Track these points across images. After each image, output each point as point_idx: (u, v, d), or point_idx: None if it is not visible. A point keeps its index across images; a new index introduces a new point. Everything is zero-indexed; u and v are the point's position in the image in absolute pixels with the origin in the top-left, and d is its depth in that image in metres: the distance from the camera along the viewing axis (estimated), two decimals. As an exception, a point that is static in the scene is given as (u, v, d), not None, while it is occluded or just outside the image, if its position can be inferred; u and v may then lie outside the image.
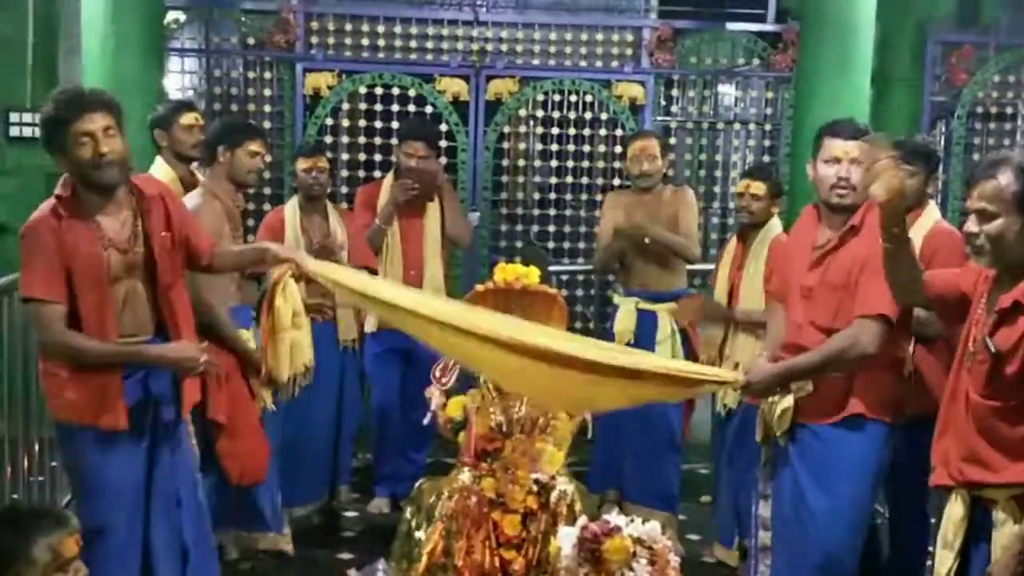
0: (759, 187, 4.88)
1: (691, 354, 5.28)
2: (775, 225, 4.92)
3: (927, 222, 4.17)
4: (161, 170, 4.74)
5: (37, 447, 4.88)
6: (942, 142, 7.33)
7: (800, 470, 3.67)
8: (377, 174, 6.57)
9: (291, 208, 5.30)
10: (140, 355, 3.44)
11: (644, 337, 5.31)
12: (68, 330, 3.36)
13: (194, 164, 4.77)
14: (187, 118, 4.72)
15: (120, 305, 3.47)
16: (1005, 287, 2.95)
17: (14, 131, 6.61)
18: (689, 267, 5.59)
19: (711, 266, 6.46)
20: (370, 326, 5.45)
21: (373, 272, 5.37)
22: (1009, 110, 7.52)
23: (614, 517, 3.42)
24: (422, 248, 5.56)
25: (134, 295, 3.50)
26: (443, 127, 6.80)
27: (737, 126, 7.42)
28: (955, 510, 3.02)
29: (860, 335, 3.45)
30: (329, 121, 6.83)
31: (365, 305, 3.87)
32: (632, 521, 3.41)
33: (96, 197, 3.44)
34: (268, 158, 4.79)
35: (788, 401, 3.61)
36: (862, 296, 3.48)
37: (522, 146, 7.47)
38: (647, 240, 5.26)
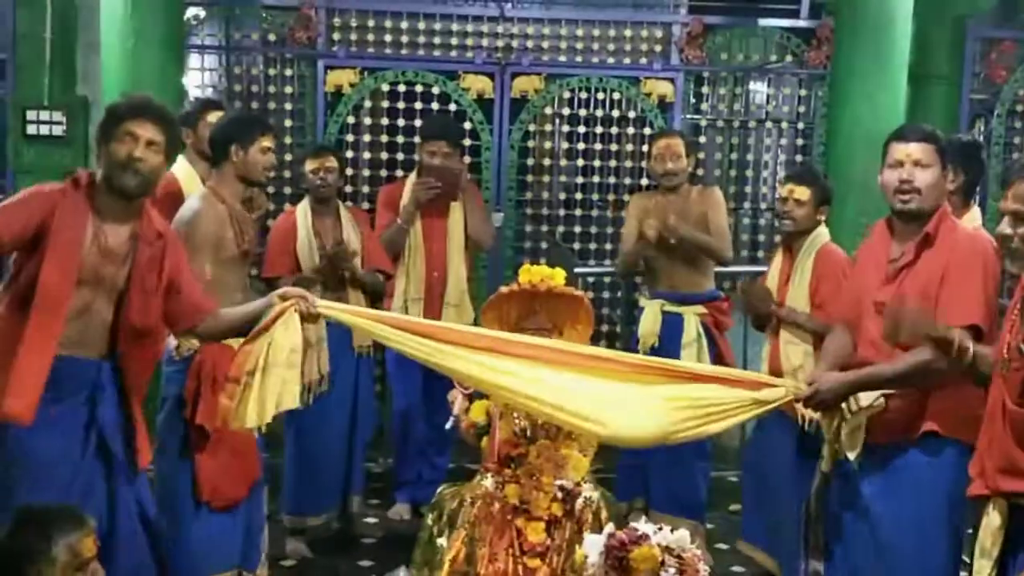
0: (803, 192, 4.69)
1: (718, 359, 5.25)
2: (822, 233, 4.75)
3: (967, 226, 4.13)
4: (182, 169, 4.76)
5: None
6: (981, 141, 7.28)
7: (869, 495, 3.62)
8: (399, 174, 6.57)
9: (302, 211, 5.27)
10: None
11: (669, 340, 5.29)
12: None
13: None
14: (213, 116, 4.73)
15: (76, 312, 3.39)
16: None
17: (31, 129, 6.61)
18: (719, 269, 5.56)
19: (742, 268, 6.47)
20: None
21: (388, 276, 5.38)
22: (1051, 108, 7.47)
23: (642, 525, 3.41)
24: (445, 248, 5.57)
25: (90, 311, 3.43)
26: (467, 125, 6.80)
27: (769, 125, 7.39)
28: (993, 519, 3.01)
29: (960, 341, 3.28)
30: (351, 119, 6.85)
31: (380, 339, 3.83)
32: (660, 529, 3.39)
33: (110, 200, 3.45)
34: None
35: (860, 419, 3.55)
36: (950, 306, 3.43)
37: (548, 145, 7.47)
38: (673, 240, 5.23)
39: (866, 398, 3.53)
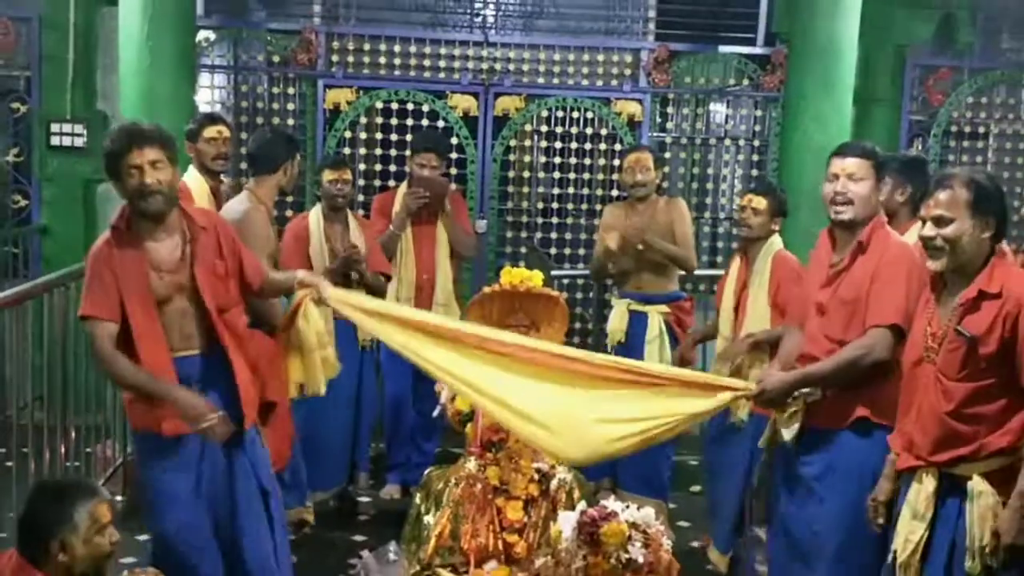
0: (760, 202, 4.70)
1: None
2: (776, 241, 4.74)
3: (913, 238, 4.16)
4: (194, 182, 4.76)
5: (73, 435, 4.91)
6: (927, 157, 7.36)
7: (808, 472, 3.67)
8: (392, 184, 6.60)
9: (315, 216, 5.28)
10: (160, 392, 3.39)
11: (634, 336, 5.33)
12: (114, 351, 3.39)
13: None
14: (210, 131, 4.76)
15: (174, 321, 3.50)
16: (957, 286, 3.09)
17: (55, 140, 6.62)
18: (683, 272, 5.59)
19: (702, 272, 6.50)
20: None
21: (388, 277, 5.41)
22: (981, 129, 7.54)
23: (611, 503, 3.44)
24: (434, 253, 5.58)
25: (184, 313, 3.52)
26: (454, 140, 6.84)
27: (728, 142, 7.43)
28: (927, 486, 3.10)
29: (874, 344, 3.45)
30: (348, 134, 6.87)
31: (380, 334, 3.86)
32: (628, 507, 3.43)
33: (146, 223, 3.49)
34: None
35: (798, 404, 3.62)
36: (874, 306, 3.49)
37: (527, 159, 7.49)
38: (640, 246, 5.27)
39: (807, 390, 3.60)
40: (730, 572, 4.85)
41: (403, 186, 5.67)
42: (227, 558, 3.63)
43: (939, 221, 3.06)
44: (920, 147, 7.36)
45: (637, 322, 5.35)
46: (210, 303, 3.53)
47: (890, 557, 3.23)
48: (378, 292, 5.33)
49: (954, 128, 7.46)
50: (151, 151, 3.43)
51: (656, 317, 5.31)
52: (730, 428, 4.71)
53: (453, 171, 6.82)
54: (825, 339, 3.63)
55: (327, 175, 5.24)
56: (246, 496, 3.65)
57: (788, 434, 3.65)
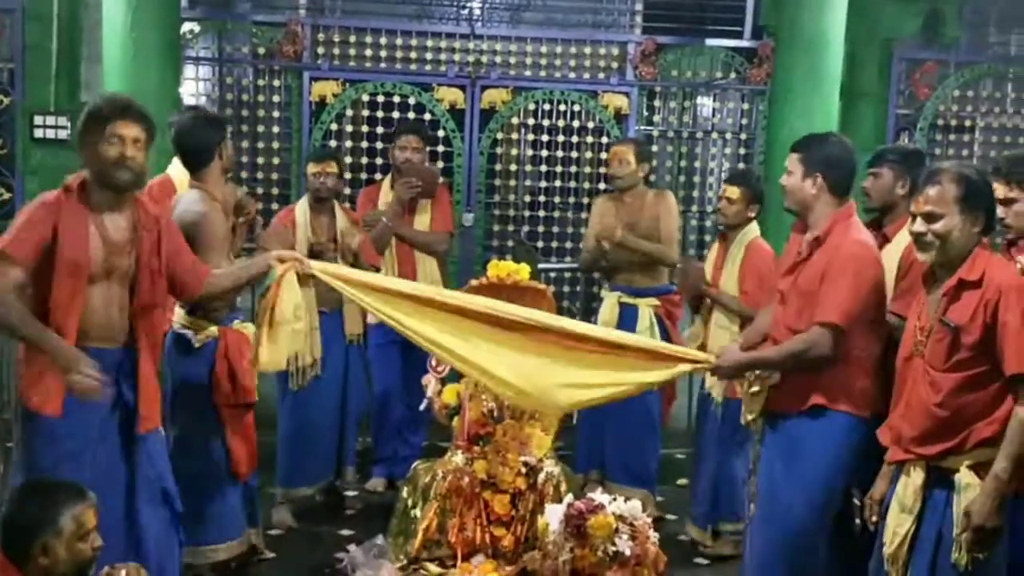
0: (734, 191, 4.89)
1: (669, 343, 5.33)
2: (752, 229, 4.92)
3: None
4: (179, 175, 4.69)
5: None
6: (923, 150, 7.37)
7: (772, 453, 3.73)
8: (378, 176, 6.57)
9: (301, 208, 5.25)
10: (37, 337, 3.27)
11: (625, 328, 5.31)
12: (11, 291, 3.25)
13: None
14: None
15: (98, 307, 3.42)
16: (945, 279, 3.12)
17: (38, 133, 6.59)
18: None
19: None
20: (373, 318, 5.46)
21: (377, 269, 5.38)
22: (967, 123, 7.56)
23: (598, 496, 3.45)
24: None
25: (110, 301, 3.45)
26: (440, 133, 6.83)
27: (715, 135, 7.44)
28: (915, 479, 3.14)
29: (816, 340, 3.51)
30: (334, 127, 6.83)
31: (366, 304, 3.85)
32: (615, 500, 3.43)
33: (104, 196, 3.44)
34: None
35: (756, 387, 3.68)
36: (820, 303, 3.54)
37: (514, 152, 7.48)
38: (611, 244, 5.34)
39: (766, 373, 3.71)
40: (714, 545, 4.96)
41: (388, 179, 5.65)
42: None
43: (929, 217, 3.09)
44: (907, 141, 7.37)
45: (627, 315, 5.37)
46: (140, 298, 3.49)
47: (878, 550, 3.26)
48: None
49: (940, 122, 7.48)
50: (136, 128, 3.43)
51: (646, 310, 5.35)
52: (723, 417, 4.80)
53: (440, 164, 6.82)
54: (783, 326, 3.70)
55: (311, 167, 5.23)
56: (146, 482, 3.59)
57: (749, 415, 3.73)
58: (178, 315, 4.25)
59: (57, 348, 3.27)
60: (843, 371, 3.55)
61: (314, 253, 5.04)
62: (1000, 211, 3.38)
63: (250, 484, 4.44)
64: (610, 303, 5.45)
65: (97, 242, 3.41)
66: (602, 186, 6.95)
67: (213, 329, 4.19)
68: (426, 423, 5.60)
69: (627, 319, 5.37)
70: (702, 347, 4.82)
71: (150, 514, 3.62)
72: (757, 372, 3.68)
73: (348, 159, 6.94)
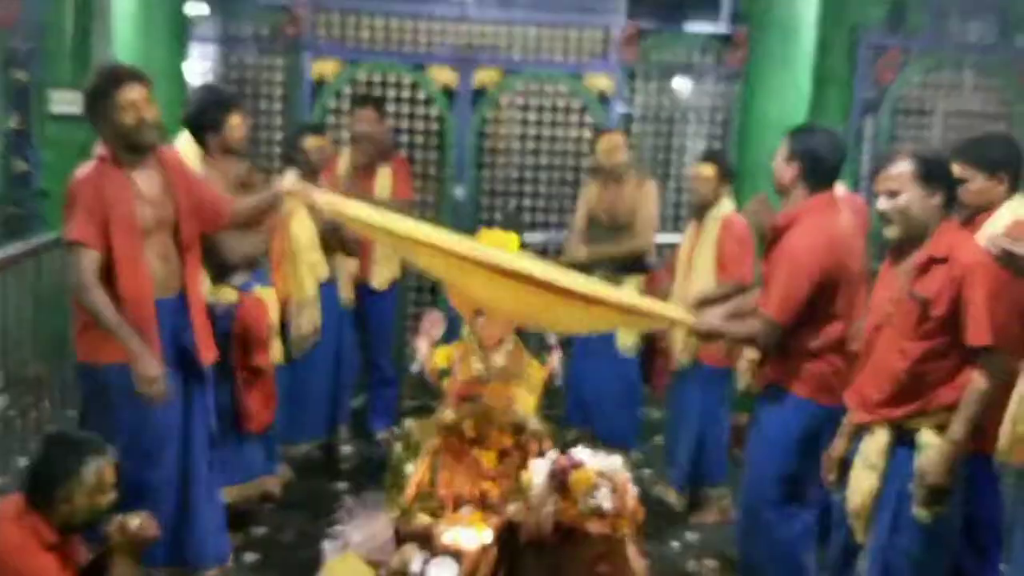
0: (707, 169, 4.84)
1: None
2: (726, 205, 4.86)
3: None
4: (187, 142, 4.66)
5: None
6: (870, 135, 7.36)
7: (754, 425, 3.80)
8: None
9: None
10: (126, 341, 3.30)
11: None
12: (96, 282, 3.29)
13: None
14: (235, 119, 4.42)
15: (158, 259, 3.45)
16: (908, 253, 3.13)
17: (55, 108, 6.55)
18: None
19: (667, 239, 6.50)
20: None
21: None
22: (928, 107, 7.54)
23: (579, 452, 3.44)
24: None
25: (165, 251, 3.48)
26: (434, 112, 6.79)
27: (692, 116, 7.41)
28: (879, 439, 3.15)
29: (760, 329, 3.55)
30: (332, 104, 6.79)
31: (372, 234, 3.82)
32: (596, 455, 3.43)
33: (132, 157, 3.45)
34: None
35: (744, 363, 3.74)
36: (766, 293, 3.56)
37: (503, 130, 7.43)
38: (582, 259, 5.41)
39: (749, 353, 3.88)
40: (689, 511, 4.99)
41: (347, 149, 5.64)
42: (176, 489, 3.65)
43: (890, 194, 3.11)
44: (871, 123, 7.36)
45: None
46: (185, 240, 3.50)
47: (842, 505, 3.28)
48: (355, 252, 5.28)
49: (903, 105, 7.45)
50: (140, 88, 3.43)
51: (632, 287, 5.34)
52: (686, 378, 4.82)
53: (433, 141, 6.80)
54: (759, 305, 3.68)
55: (312, 142, 5.13)
56: (200, 434, 3.66)
57: (741, 383, 3.77)
58: (207, 286, 4.24)
59: (142, 360, 3.29)
60: (796, 355, 3.56)
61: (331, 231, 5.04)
62: None
63: (267, 437, 4.49)
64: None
65: (141, 200, 3.43)
66: (585, 163, 6.94)
67: (233, 295, 4.19)
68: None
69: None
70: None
71: (199, 453, 3.69)
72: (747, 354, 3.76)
73: (346, 134, 6.89)
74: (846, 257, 3.55)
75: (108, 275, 3.35)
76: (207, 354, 3.65)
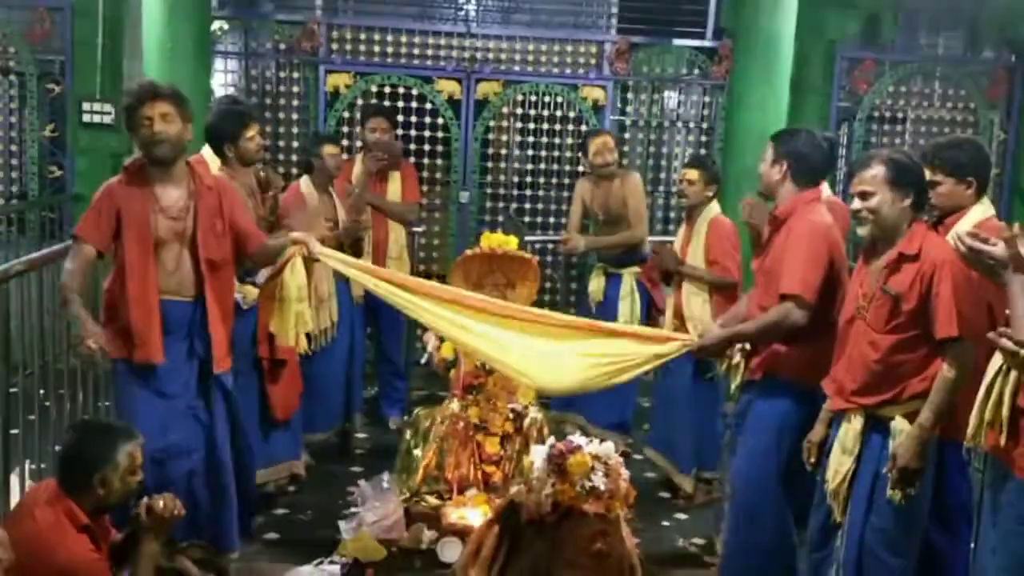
0: (693, 174, 4.80)
1: (651, 305, 5.34)
2: (713, 208, 4.83)
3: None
4: (211, 153, 4.63)
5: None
6: (846, 142, 7.34)
7: (744, 414, 3.74)
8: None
9: (307, 187, 5.08)
10: (67, 301, 3.28)
11: (611, 292, 5.39)
12: (78, 267, 3.35)
13: None
14: (251, 131, 4.31)
15: (169, 266, 3.46)
16: (884, 251, 3.10)
17: (86, 117, 6.54)
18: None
19: (658, 239, 6.49)
20: None
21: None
22: (900, 115, 7.52)
23: (577, 438, 3.43)
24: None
25: (179, 261, 3.48)
26: (439, 121, 6.78)
27: (680, 125, 7.40)
28: (854, 425, 3.14)
29: (786, 312, 3.42)
30: (346, 114, 6.78)
31: (366, 285, 3.81)
32: (591, 441, 3.42)
33: (157, 171, 3.46)
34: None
35: (737, 357, 3.67)
36: (783, 278, 3.46)
37: (504, 137, 7.44)
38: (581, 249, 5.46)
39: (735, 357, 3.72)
40: (695, 492, 4.92)
41: (359, 155, 5.61)
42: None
43: (863, 195, 3.08)
44: (847, 131, 7.35)
45: (612, 282, 5.41)
46: (203, 254, 3.49)
47: (822, 487, 3.27)
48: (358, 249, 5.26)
49: (876, 114, 7.43)
50: (163, 104, 3.42)
51: (629, 277, 5.37)
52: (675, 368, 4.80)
53: (439, 148, 6.79)
54: (756, 305, 3.65)
55: (330, 149, 5.09)
56: (221, 424, 3.64)
57: (734, 384, 3.71)
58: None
59: (76, 315, 3.27)
60: (792, 341, 3.50)
61: (351, 231, 5.04)
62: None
63: (293, 424, 4.50)
64: (597, 275, 5.49)
65: (157, 212, 3.44)
66: (581, 168, 6.90)
67: (256, 293, 4.17)
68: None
69: (612, 286, 5.39)
70: (678, 313, 4.77)
71: (221, 444, 3.66)
72: (738, 346, 3.65)
73: (359, 143, 6.88)
74: (840, 245, 3.57)
75: (121, 276, 3.42)
76: (222, 362, 3.61)
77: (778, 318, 3.44)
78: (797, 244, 3.46)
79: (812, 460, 3.36)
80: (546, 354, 3.63)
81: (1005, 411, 2.46)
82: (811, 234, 3.46)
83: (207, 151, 4.63)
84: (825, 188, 4.42)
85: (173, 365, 3.48)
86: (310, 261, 3.82)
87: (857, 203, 3.10)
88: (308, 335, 4.83)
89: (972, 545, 3.31)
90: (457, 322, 3.68)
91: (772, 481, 3.59)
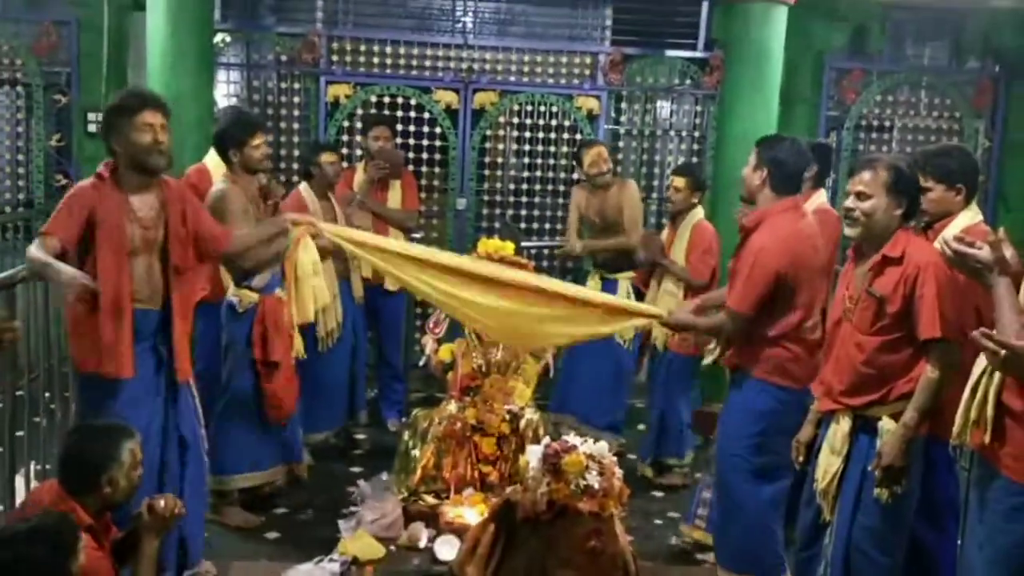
0: (680, 181, 4.93)
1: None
2: (697, 213, 4.95)
3: (815, 204, 4.33)
4: (212, 161, 4.63)
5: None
6: (835, 150, 7.34)
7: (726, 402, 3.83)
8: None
9: (308, 194, 5.09)
10: (43, 264, 3.05)
11: None
12: (43, 254, 3.08)
13: None
14: (259, 139, 4.32)
15: (141, 275, 3.36)
16: (870, 255, 3.10)
17: (91, 127, 6.56)
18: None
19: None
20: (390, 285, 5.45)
21: None
22: (887, 123, 7.52)
23: (571, 438, 3.43)
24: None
25: (150, 269, 3.39)
26: (437, 130, 6.77)
27: (672, 134, 7.39)
28: (843, 426, 3.14)
29: (726, 321, 3.59)
30: (346, 124, 6.77)
31: (372, 261, 3.81)
32: (585, 441, 3.42)
33: (134, 179, 3.34)
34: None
35: (712, 344, 3.75)
36: (730, 288, 3.59)
37: (501, 146, 7.42)
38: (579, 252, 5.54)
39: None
40: (656, 477, 5.11)
41: (361, 163, 5.61)
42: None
43: (860, 196, 3.07)
44: (836, 139, 7.35)
45: (608, 288, 5.39)
46: (173, 261, 3.42)
47: (811, 486, 3.26)
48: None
49: (864, 123, 7.44)
50: (161, 115, 3.34)
51: (624, 283, 5.40)
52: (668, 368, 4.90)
53: (436, 156, 6.78)
54: (727, 300, 3.68)
55: (328, 157, 5.12)
56: (183, 426, 3.56)
57: (708, 358, 3.87)
58: (231, 288, 4.27)
59: (57, 268, 3.03)
60: (757, 342, 3.56)
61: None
62: None
63: (289, 425, 4.46)
64: (594, 280, 5.55)
65: (133, 221, 3.33)
66: (575, 176, 6.91)
67: (255, 297, 4.17)
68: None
69: (607, 291, 5.36)
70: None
71: (184, 453, 3.59)
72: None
73: (358, 151, 6.88)
74: (805, 256, 3.54)
75: (94, 280, 3.21)
76: (183, 370, 3.52)
77: (720, 324, 3.64)
78: (748, 261, 3.51)
79: (801, 459, 3.35)
80: (533, 322, 3.77)
81: (990, 410, 2.45)
82: (759, 252, 3.48)
83: (210, 159, 4.65)
84: (821, 195, 4.45)
85: (141, 376, 3.37)
86: (317, 238, 3.84)
87: (852, 202, 3.08)
88: (315, 337, 4.86)
89: (959, 541, 3.30)
90: (454, 293, 3.73)
91: (743, 466, 3.64)
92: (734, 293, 3.53)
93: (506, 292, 3.70)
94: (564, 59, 7.06)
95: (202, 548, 3.80)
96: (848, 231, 3.13)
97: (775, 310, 3.50)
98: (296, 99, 6.84)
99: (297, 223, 3.73)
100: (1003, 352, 2.21)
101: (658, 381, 5.08)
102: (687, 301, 4.49)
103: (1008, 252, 2.47)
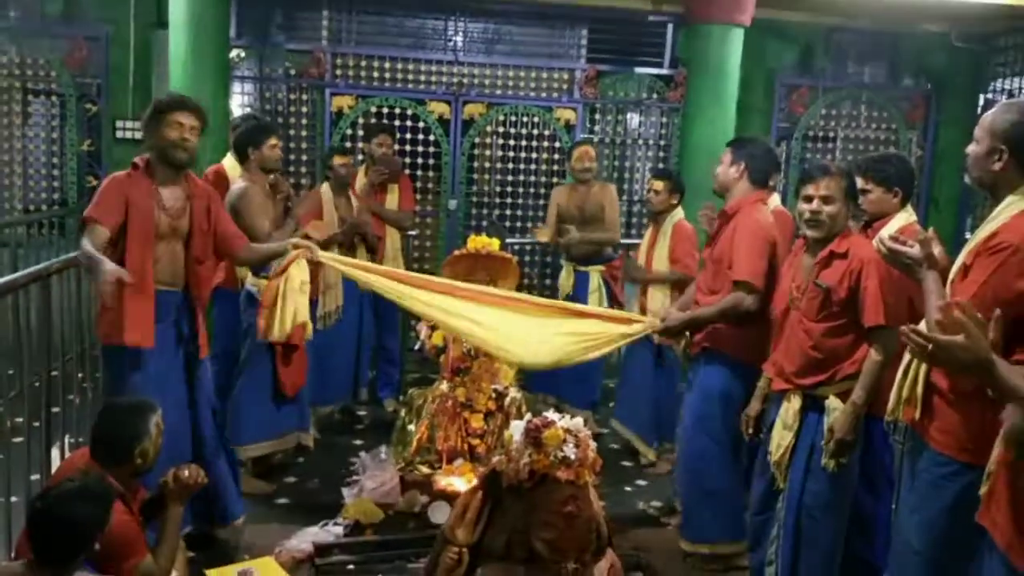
0: (659, 184, 4.81)
1: (613, 301, 5.32)
2: (677, 213, 4.84)
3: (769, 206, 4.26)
4: (230, 163, 4.62)
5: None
6: (784, 158, 7.36)
7: (691, 388, 3.79)
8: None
9: (326, 192, 5.12)
10: (92, 258, 2.98)
11: (580, 290, 5.36)
12: (101, 246, 3.08)
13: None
14: (274, 139, 4.38)
15: (166, 258, 3.36)
16: (816, 250, 3.10)
17: (120, 134, 6.51)
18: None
19: (628, 241, 6.49)
20: None
21: (379, 237, 5.34)
22: (831, 134, 7.56)
23: (551, 414, 3.42)
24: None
25: (173, 254, 3.39)
26: (431, 138, 6.74)
27: (641, 142, 7.39)
28: (793, 404, 3.14)
29: (741, 296, 3.45)
30: (348, 132, 6.73)
31: (364, 282, 3.76)
32: (563, 417, 3.41)
33: (163, 172, 3.35)
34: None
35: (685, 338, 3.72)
36: (734, 266, 3.48)
37: (488, 152, 7.41)
38: (573, 242, 5.31)
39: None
40: (657, 461, 4.97)
41: (362, 168, 5.58)
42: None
43: (826, 200, 3.05)
44: (786, 148, 7.37)
45: (581, 279, 5.37)
46: (194, 250, 3.42)
47: (764, 457, 3.27)
48: (374, 247, 5.28)
49: (811, 133, 7.47)
50: (191, 118, 3.35)
51: (596, 275, 5.35)
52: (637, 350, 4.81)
53: (431, 161, 6.76)
54: (703, 287, 3.67)
55: (338, 160, 5.12)
56: (203, 399, 3.56)
57: (677, 349, 3.78)
58: (249, 277, 4.27)
59: (102, 264, 2.96)
60: (737, 322, 3.53)
61: (351, 227, 5.04)
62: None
63: (302, 399, 4.47)
64: (567, 271, 5.47)
65: (160, 210, 3.33)
66: (555, 180, 6.91)
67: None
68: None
69: (581, 283, 5.37)
70: (642, 309, 4.75)
71: (206, 421, 3.59)
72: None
73: (360, 157, 6.84)
74: (779, 240, 3.58)
75: (120, 262, 3.19)
76: (205, 348, 3.53)
77: (734, 303, 3.47)
78: (746, 236, 3.48)
79: (750, 431, 3.37)
80: (527, 333, 3.58)
81: (920, 389, 2.47)
82: (756, 229, 3.49)
83: (228, 161, 4.63)
84: (776, 199, 4.46)
85: (162, 350, 3.36)
86: (312, 263, 3.78)
87: (817, 205, 3.05)
88: (314, 317, 4.84)
89: (893, 506, 3.32)
90: (445, 308, 3.63)
91: (714, 438, 3.63)
92: (742, 268, 3.42)
93: (502, 307, 3.60)
94: (544, 75, 7.04)
95: (241, 503, 3.79)
96: (811, 232, 3.10)
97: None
98: (304, 109, 6.80)
99: (297, 246, 3.68)
100: (929, 346, 2.23)
101: (639, 364, 4.92)
102: (672, 300, 4.41)
103: (936, 249, 2.49)
